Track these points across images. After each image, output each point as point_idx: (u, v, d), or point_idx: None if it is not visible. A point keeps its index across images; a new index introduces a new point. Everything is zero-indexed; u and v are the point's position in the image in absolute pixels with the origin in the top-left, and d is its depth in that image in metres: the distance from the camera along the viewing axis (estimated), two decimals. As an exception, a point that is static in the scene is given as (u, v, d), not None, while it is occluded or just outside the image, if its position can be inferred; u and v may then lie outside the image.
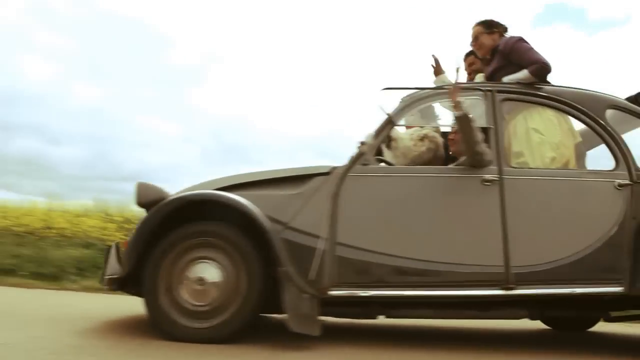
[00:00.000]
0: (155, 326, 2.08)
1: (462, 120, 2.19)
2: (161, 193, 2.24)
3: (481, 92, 2.45)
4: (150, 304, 2.06)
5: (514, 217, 2.25)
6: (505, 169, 2.31)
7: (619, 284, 2.19)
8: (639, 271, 2.18)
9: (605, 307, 2.42)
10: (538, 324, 3.31)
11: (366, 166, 2.32)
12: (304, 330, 2.02)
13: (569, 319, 3.10)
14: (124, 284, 2.14)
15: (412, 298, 2.20)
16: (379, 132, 2.38)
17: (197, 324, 2.05)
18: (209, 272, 2.09)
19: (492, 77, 2.66)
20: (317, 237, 2.21)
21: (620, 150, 2.39)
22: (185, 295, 2.08)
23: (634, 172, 2.34)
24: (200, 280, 2.07)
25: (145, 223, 2.13)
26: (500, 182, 2.28)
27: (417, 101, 2.47)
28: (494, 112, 2.41)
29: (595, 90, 2.58)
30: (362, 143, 2.31)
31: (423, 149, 2.58)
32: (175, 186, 2.48)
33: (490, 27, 2.72)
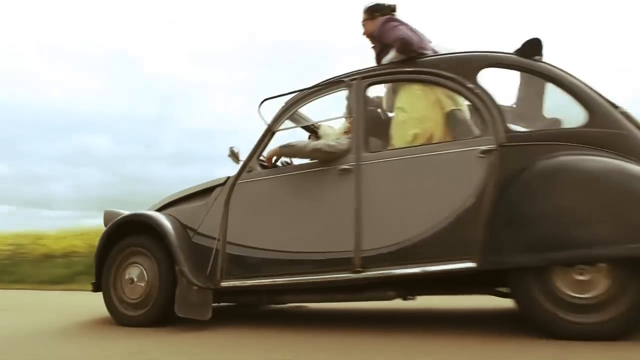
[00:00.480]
0: (111, 316, 2.84)
1: (284, 153, 2.67)
2: (118, 217, 3.00)
3: (345, 83, 2.53)
4: (106, 299, 2.83)
5: (368, 201, 2.30)
6: (363, 155, 2.37)
7: (470, 259, 2.04)
8: (493, 243, 2.00)
9: (464, 285, 2.22)
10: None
11: (250, 172, 2.66)
12: (192, 316, 2.51)
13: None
14: (97, 288, 2.94)
15: (281, 285, 2.46)
16: (260, 140, 2.69)
17: (132, 313, 2.74)
18: (137, 273, 2.75)
19: (378, 64, 2.67)
20: (214, 238, 2.67)
21: (489, 112, 2.18)
22: (125, 292, 2.78)
23: (501, 135, 2.12)
24: (131, 280, 2.75)
25: (99, 241, 2.91)
26: (357, 170, 2.36)
27: (293, 105, 2.68)
28: (356, 100, 2.47)
29: (474, 50, 2.38)
30: (232, 153, 2.67)
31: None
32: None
33: (372, 13, 2.71)
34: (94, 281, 2.95)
